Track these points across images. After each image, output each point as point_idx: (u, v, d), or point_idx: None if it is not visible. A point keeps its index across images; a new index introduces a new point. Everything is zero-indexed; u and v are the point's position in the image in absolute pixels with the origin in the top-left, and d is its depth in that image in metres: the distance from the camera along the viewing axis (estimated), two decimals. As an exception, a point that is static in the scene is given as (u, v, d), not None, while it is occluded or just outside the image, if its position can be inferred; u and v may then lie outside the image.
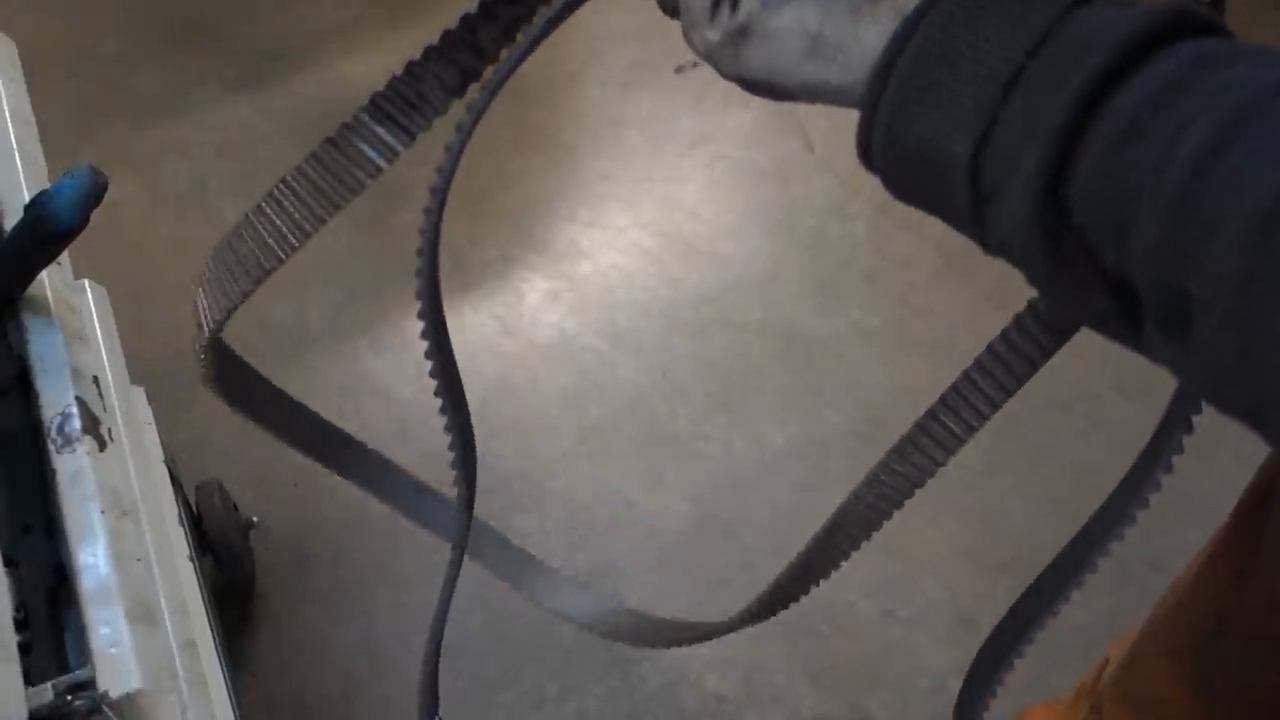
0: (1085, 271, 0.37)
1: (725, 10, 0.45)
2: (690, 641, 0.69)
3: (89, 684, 0.68)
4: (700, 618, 1.44)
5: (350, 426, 1.81)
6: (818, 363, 1.67)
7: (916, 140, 0.39)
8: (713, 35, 0.45)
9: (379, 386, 1.68)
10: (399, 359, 1.71)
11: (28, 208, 0.78)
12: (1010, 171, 0.37)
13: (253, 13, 2.21)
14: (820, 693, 1.39)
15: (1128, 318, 0.38)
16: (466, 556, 0.69)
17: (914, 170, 0.40)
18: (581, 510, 1.54)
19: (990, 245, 0.40)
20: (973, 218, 0.39)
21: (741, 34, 0.44)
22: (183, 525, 1.16)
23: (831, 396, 1.63)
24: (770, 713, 1.38)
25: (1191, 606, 0.93)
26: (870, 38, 0.41)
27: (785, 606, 0.64)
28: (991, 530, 1.48)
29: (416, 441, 1.60)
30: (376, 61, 2.11)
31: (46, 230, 0.77)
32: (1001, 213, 0.38)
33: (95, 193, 0.76)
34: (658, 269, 1.79)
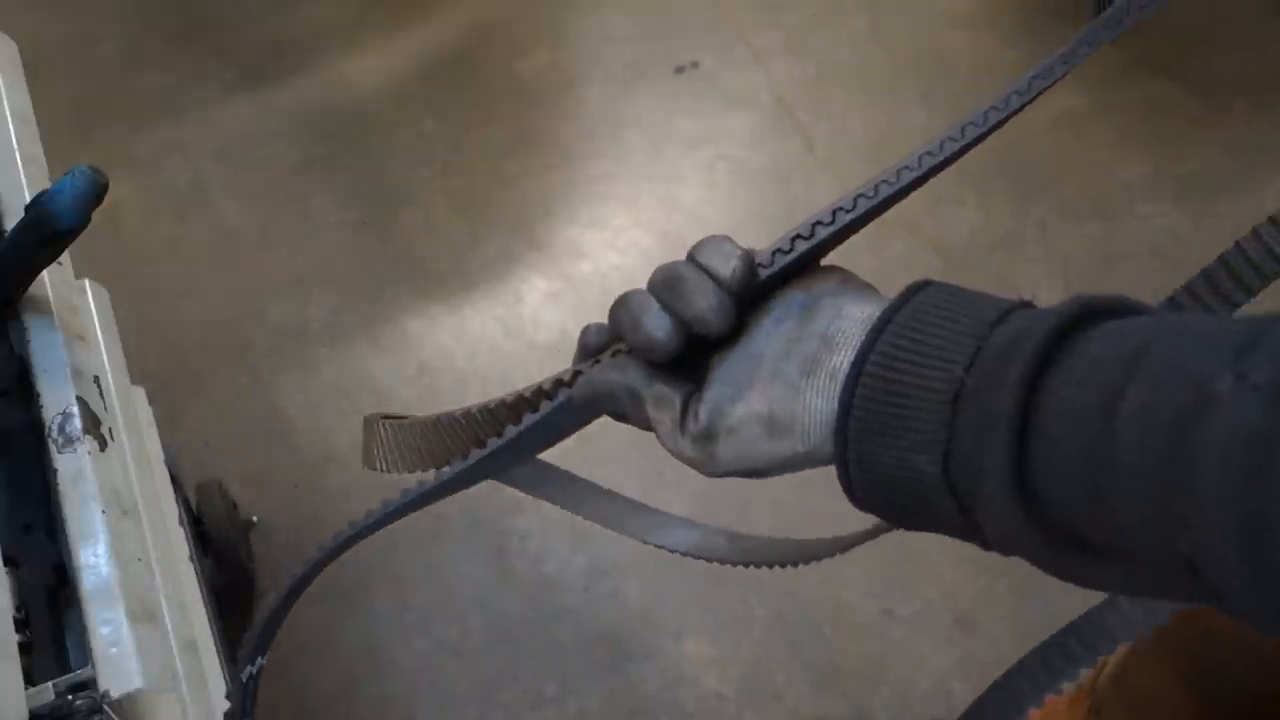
0: (1085, 550, 0.40)
1: (690, 421, 0.48)
2: (803, 561, 0.72)
3: (90, 684, 0.68)
4: (701, 617, 1.44)
5: (351, 426, 1.81)
6: (818, 363, 1.67)
7: (889, 470, 0.42)
8: (686, 445, 0.49)
9: (379, 386, 1.68)
10: (399, 359, 1.71)
11: (29, 207, 0.78)
12: (979, 476, 0.40)
13: (253, 13, 2.21)
14: (820, 693, 1.39)
15: (1146, 578, 0.39)
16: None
17: (898, 498, 0.43)
18: (581, 510, 1.54)
19: (996, 547, 0.43)
20: (967, 527, 0.42)
21: (707, 437, 0.48)
22: (183, 525, 1.16)
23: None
24: (770, 712, 1.38)
25: (1189, 608, 0.93)
26: (818, 405, 0.45)
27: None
28: (991, 530, 1.48)
29: (416, 441, 1.60)
30: (377, 62, 2.11)
31: (47, 230, 0.77)
32: (990, 517, 0.41)
33: (96, 193, 0.76)
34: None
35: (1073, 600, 1.39)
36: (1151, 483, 0.35)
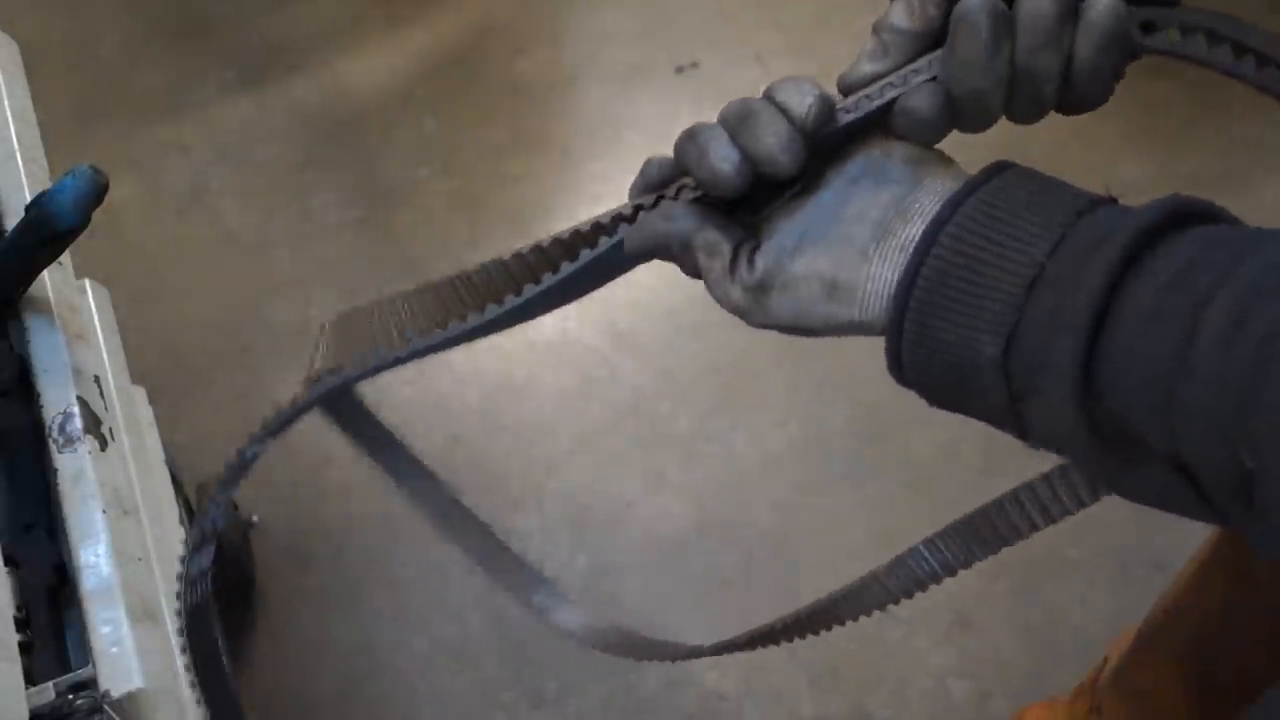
0: (1131, 454, 0.38)
1: (743, 267, 0.47)
2: (672, 658, 0.73)
3: (90, 683, 0.68)
4: (700, 617, 1.44)
5: (350, 426, 1.79)
6: (819, 363, 1.67)
7: (946, 346, 0.41)
8: (735, 292, 0.47)
9: (379, 386, 1.67)
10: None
11: (29, 207, 0.78)
12: (1041, 366, 0.38)
13: (253, 13, 2.21)
14: (820, 692, 1.39)
15: (1182, 490, 0.38)
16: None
17: (947, 377, 0.41)
18: (581, 510, 1.54)
19: (1034, 440, 0.41)
20: (1012, 416, 0.40)
21: (762, 288, 0.46)
22: (183, 525, 1.16)
23: (833, 397, 1.63)
24: (770, 712, 1.38)
25: (1191, 606, 0.94)
26: (883, 275, 0.43)
27: (765, 645, 0.71)
28: (991, 530, 1.48)
29: (416, 442, 1.59)
30: (376, 61, 2.11)
31: (48, 230, 0.77)
32: (1041, 408, 0.39)
33: (97, 192, 0.76)
34: (658, 269, 1.78)
35: (1069, 597, 1.39)
36: (1228, 393, 0.33)
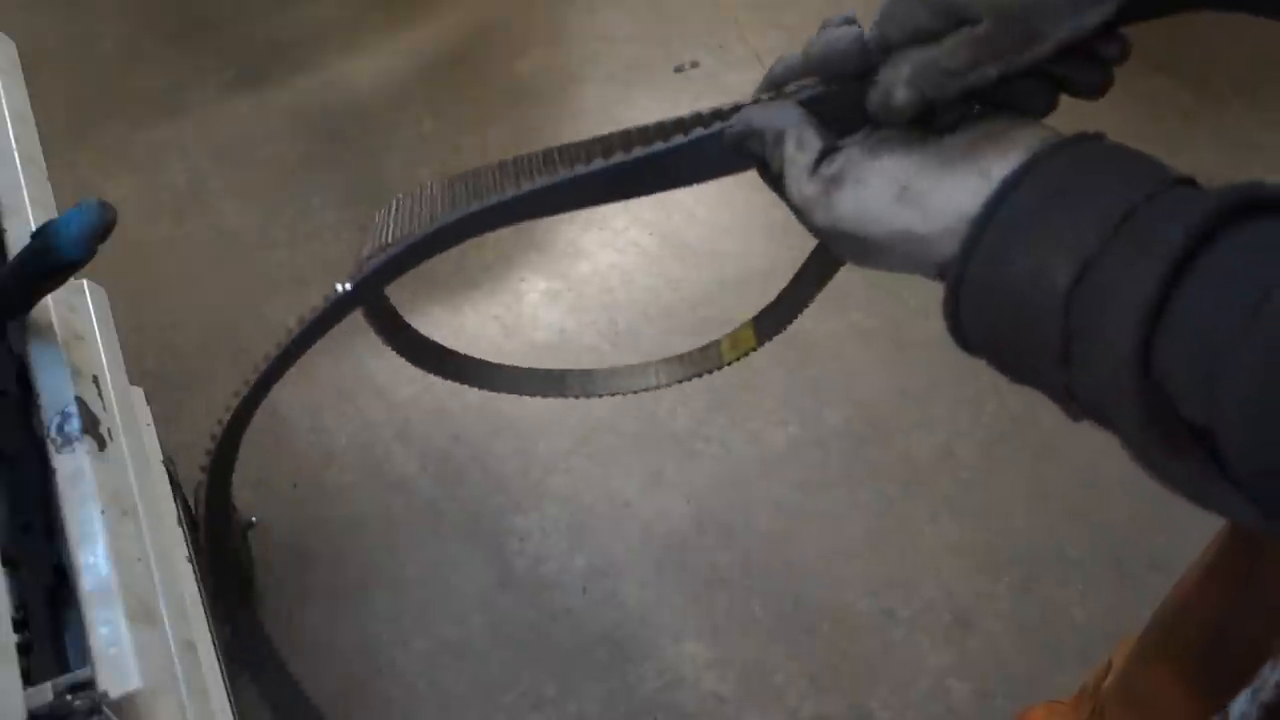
0: (1173, 424, 0.38)
1: (825, 164, 0.49)
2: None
3: (88, 684, 0.68)
4: (700, 618, 1.44)
5: (350, 427, 1.81)
6: (817, 363, 1.67)
7: (1019, 272, 0.41)
8: (809, 186, 0.49)
9: (379, 386, 1.68)
10: (398, 359, 1.71)
11: (35, 235, 0.78)
12: (1109, 299, 0.38)
13: (252, 12, 2.21)
14: (820, 692, 1.39)
15: (1210, 478, 0.38)
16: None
17: (1005, 305, 0.42)
18: (581, 510, 1.54)
19: (1078, 389, 0.41)
20: (1061, 355, 0.40)
21: (835, 181, 0.48)
22: (182, 525, 1.16)
23: (830, 397, 1.63)
24: (770, 712, 1.38)
25: (1195, 611, 0.93)
26: (955, 192, 0.44)
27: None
28: (990, 529, 1.48)
29: (416, 442, 1.60)
30: (376, 62, 2.11)
31: (51, 261, 0.77)
32: (1093, 351, 0.39)
33: (103, 227, 0.76)
34: (657, 269, 1.79)
35: (1069, 597, 1.39)
36: (1266, 366, 0.34)
